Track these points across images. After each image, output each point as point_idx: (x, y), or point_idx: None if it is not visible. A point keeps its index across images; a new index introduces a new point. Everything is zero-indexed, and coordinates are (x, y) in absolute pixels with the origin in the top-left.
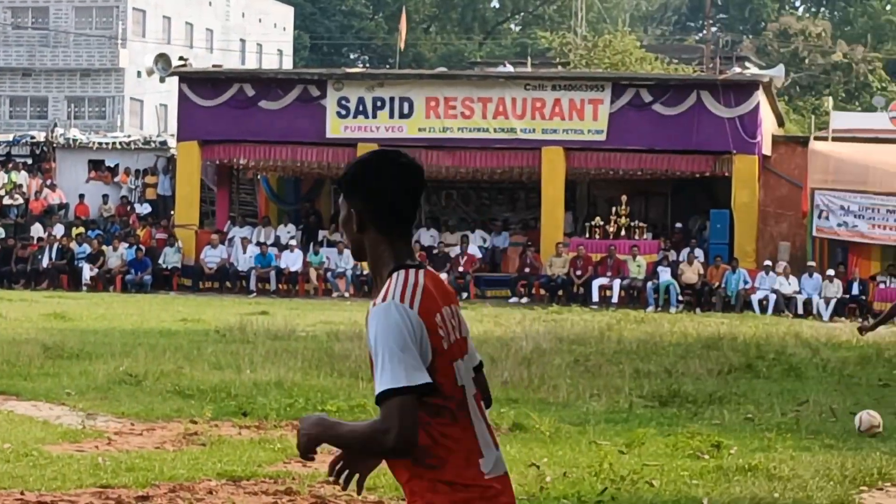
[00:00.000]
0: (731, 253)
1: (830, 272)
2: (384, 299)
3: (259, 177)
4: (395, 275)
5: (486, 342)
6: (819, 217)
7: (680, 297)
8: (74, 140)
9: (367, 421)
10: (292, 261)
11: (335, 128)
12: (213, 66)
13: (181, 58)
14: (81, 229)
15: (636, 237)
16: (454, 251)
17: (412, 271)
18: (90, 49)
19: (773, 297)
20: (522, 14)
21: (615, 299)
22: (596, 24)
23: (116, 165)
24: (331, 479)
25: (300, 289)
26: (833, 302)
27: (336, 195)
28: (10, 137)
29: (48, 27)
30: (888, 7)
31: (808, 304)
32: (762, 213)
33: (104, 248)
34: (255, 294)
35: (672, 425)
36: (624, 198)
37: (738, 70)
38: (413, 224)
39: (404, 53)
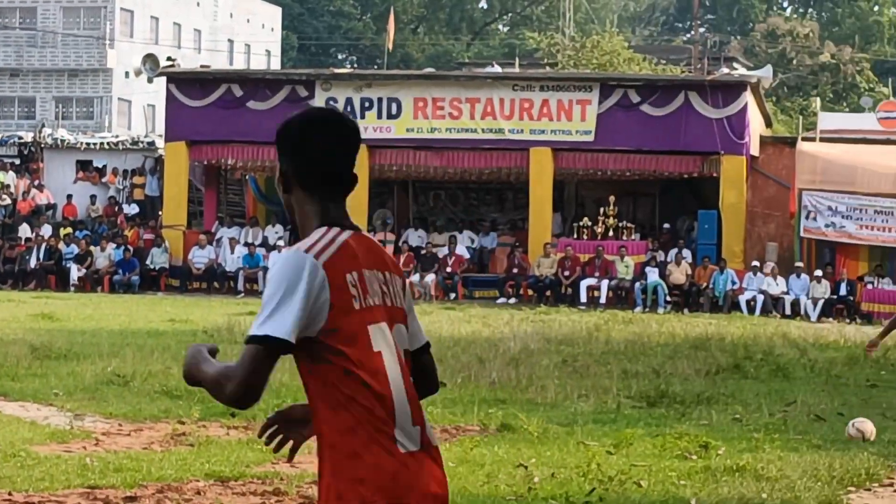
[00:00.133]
0: (718, 253)
1: (818, 273)
2: (293, 248)
3: (247, 177)
4: (315, 231)
5: (474, 343)
6: (807, 218)
7: (668, 298)
8: (62, 140)
9: (225, 363)
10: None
11: None
12: (201, 66)
13: (169, 58)
14: (69, 230)
15: (624, 238)
16: (442, 251)
17: (335, 229)
18: (78, 49)
19: (760, 297)
20: (510, 15)
21: (603, 300)
22: (584, 24)
23: (104, 166)
24: (262, 440)
25: None
26: (821, 302)
27: None
28: None
29: (36, 27)
30: (876, 8)
31: (795, 304)
32: (750, 214)
33: (92, 248)
34: (243, 294)
35: (660, 426)
36: (612, 198)
37: (725, 71)
38: (346, 186)
39: (392, 54)
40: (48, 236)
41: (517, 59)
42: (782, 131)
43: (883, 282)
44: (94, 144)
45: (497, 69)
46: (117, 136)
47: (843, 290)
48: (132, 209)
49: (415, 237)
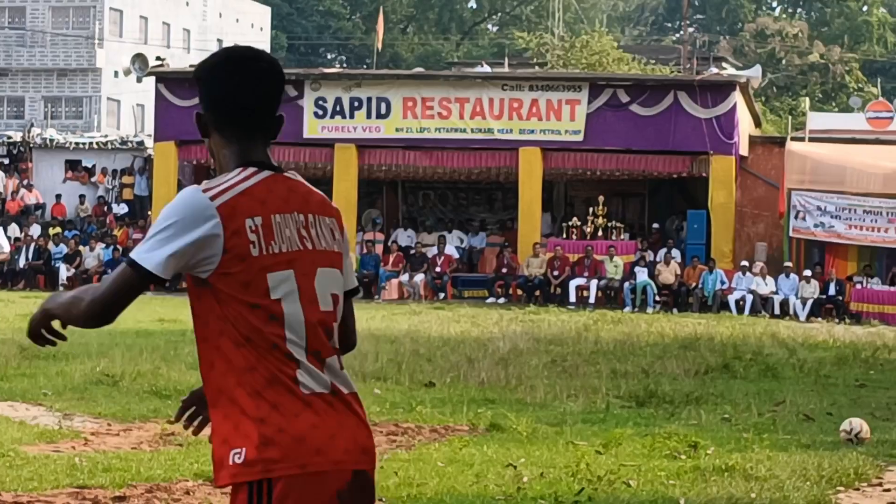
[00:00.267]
0: (708, 253)
1: (807, 272)
2: (193, 186)
3: None
4: (228, 172)
5: (463, 342)
6: (796, 217)
7: (657, 298)
8: (51, 140)
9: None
10: None
11: (312, 128)
12: (191, 66)
13: (158, 58)
14: (58, 229)
15: (613, 238)
16: (431, 251)
17: (250, 170)
18: (67, 49)
19: (749, 297)
20: (500, 14)
21: (592, 300)
22: (573, 24)
23: (93, 165)
24: (178, 422)
25: None
26: (810, 302)
27: None
28: None
29: (24, 27)
30: (865, 8)
31: (784, 304)
32: (739, 214)
33: (81, 248)
34: None
35: (649, 425)
36: (601, 198)
37: (715, 70)
38: (265, 126)
39: (381, 54)
40: (37, 236)
41: (506, 59)
42: (771, 131)
43: (872, 282)
44: (84, 144)
45: (486, 69)
46: (106, 136)
47: (832, 290)
48: (121, 209)
49: (404, 237)
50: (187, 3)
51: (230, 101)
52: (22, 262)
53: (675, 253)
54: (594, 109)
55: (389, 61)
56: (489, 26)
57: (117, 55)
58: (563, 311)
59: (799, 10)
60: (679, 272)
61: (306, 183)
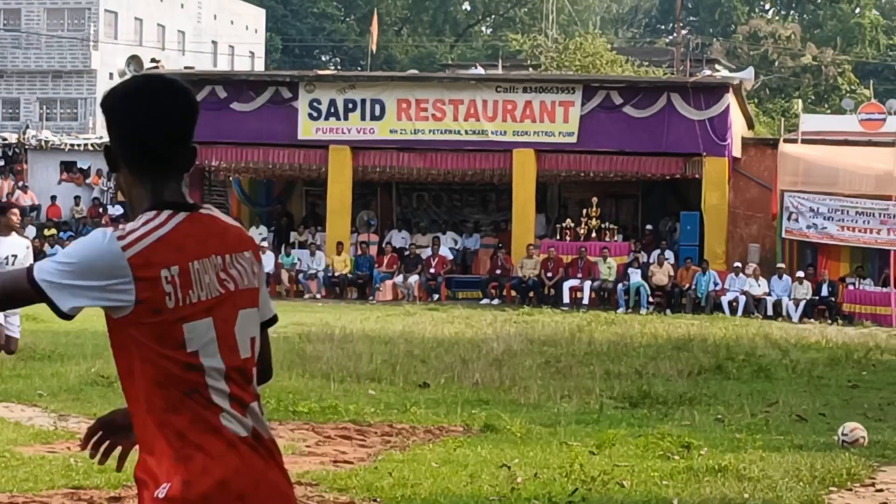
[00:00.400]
0: (701, 254)
1: (800, 274)
2: (108, 230)
3: (231, 178)
4: (142, 215)
5: (457, 343)
6: (788, 219)
7: (650, 299)
8: (46, 142)
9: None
10: (264, 262)
11: (307, 130)
12: (185, 67)
13: (153, 59)
14: (53, 231)
15: (607, 239)
16: (425, 253)
17: (166, 213)
18: (62, 51)
19: (742, 298)
20: (493, 16)
21: (586, 301)
22: (567, 26)
23: (88, 167)
24: (85, 451)
25: (271, 290)
26: (802, 303)
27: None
28: None
29: (20, 29)
30: (857, 10)
31: (777, 305)
32: (732, 215)
33: None
34: None
35: (642, 426)
36: (595, 200)
37: (708, 72)
38: (179, 163)
39: (376, 56)
40: (32, 237)
41: (500, 61)
42: (764, 133)
43: (864, 283)
44: (79, 145)
45: (480, 71)
46: (101, 137)
47: (824, 291)
48: (116, 210)
49: (398, 238)
50: (182, 5)
51: (141, 137)
52: None
53: (669, 254)
54: (588, 111)
55: (384, 63)
56: (483, 28)
57: (112, 57)
58: (557, 313)
59: (792, 12)
60: (672, 273)
61: (222, 217)
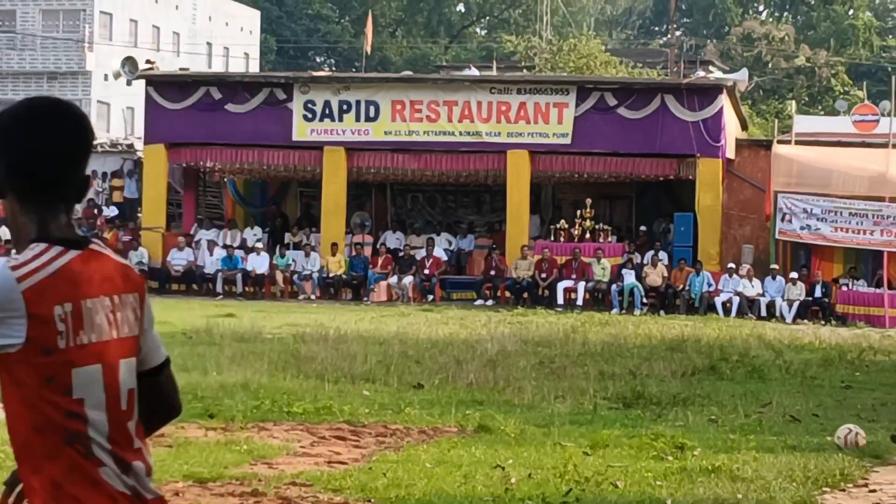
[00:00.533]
0: (695, 255)
1: (793, 275)
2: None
3: (226, 179)
4: (32, 247)
5: (451, 344)
6: (782, 220)
7: (644, 300)
8: None
9: None
10: (259, 263)
11: (301, 131)
12: (180, 69)
13: (148, 61)
14: None
15: (601, 240)
16: (420, 254)
17: (56, 249)
18: (57, 52)
19: (736, 299)
20: (488, 18)
21: (580, 301)
22: (561, 28)
23: None
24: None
25: (266, 291)
26: (796, 304)
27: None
28: None
29: (15, 30)
30: (851, 12)
31: (771, 306)
32: (726, 216)
33: None
34: (221, 296)
35: (636, 427)
36: (589, 201)
37: (702, 74)
38: (70, 193)
39: (370, 57)
40: None
41: (494, 63)
42: (758, 134)
43: (857, 284)
44: None
45: (474, 72)
46: (96, 139)
47: (818, 292)
48: (111, 211)
49: (393, 239)
50: (177, 7)
51: (29, 167)
52: None
53: (663, 255)
54: (582, 112)
55: (378, 64)
56: (477, 30)
57: (107, 58)
58: (551, 313)
59: (785, 13)
60: (666, 274)
61: (111, 254)
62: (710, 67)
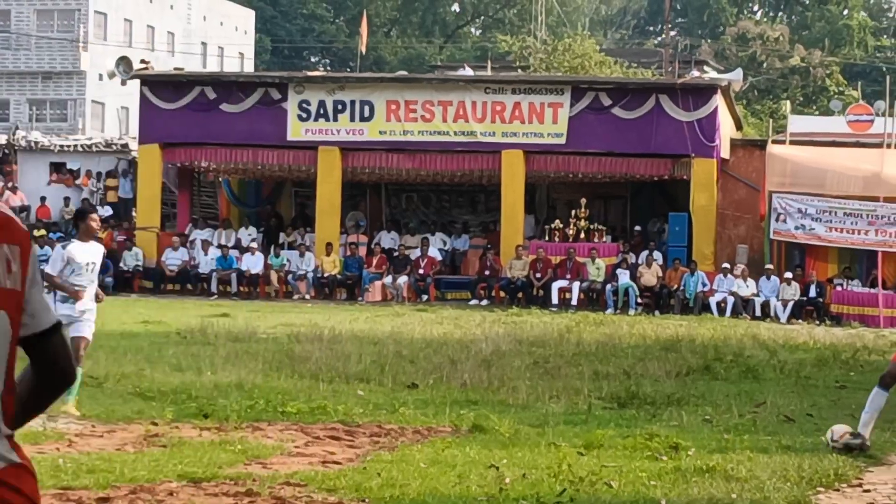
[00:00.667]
0: (689, 255)
1: (788, 275)
2: None
3: (220, 179)
4: None
5: (445, 344)
6: (777, 220)
7: (639, 300)
8: (36, 143)
9: None
10: (253, 263)
11: (296, 131)
12: (175, 69)
13: (143, 60)
14: (43, 231)
15: (595, 240)
16: (414, 253)
17: None
18: (52, 52)
19: (731, 299)
20: (483, 18)
21: (574, 301)
22: (556, 27)
23: (78, 168)
24: None
25: (261, 291)
26: (790, 304)
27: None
28: None
29: (9, 30)
30: (845, 12)
31: (765, 306)
32: (720, 216)
33: None
34: (216, 296)
35: (630, 427)
36: (583, 201)
37: (696, 74)
38: None
39: (365, 57)
40: None
41: (489, 62)
42: (752, 134)
43: (852, 284)
44: (68, 146)
45: (469, 72)
46: (91, 139)
47: (812, 292)
48: (106, 211)
49: (387, 239)
50: (172, 7)
51: None
52: None
53: (657, 255)
54: (576, 112)
55: (373, 64)
56: (472, 29)
57: (102, 58)
58: (546, 313)
59: (780, 13)
60: (661, 274)
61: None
62: (705, 67)
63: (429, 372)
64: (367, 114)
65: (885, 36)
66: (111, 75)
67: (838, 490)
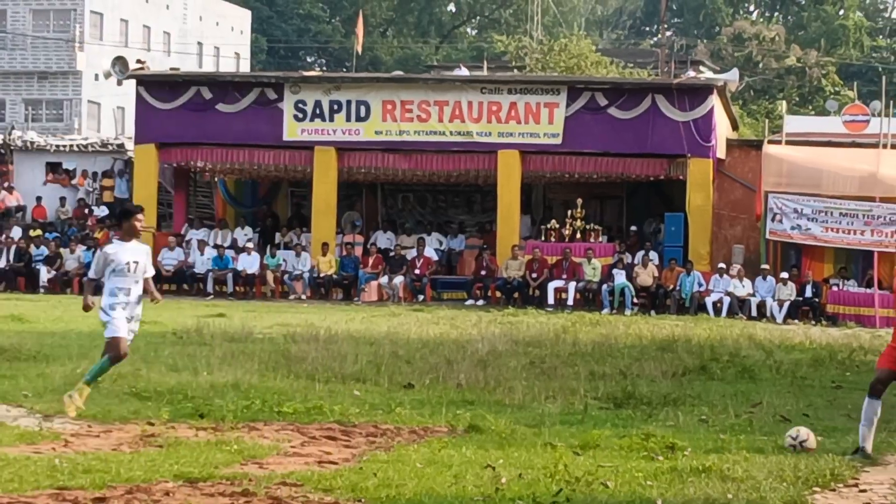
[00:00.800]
0: (685, 255)
1: (784, 275)
2: None
3: (216, 179)
4: None
5: (442, 344)
6: (772, 220)
7: (635, 300)
8: (32, 142)
9: None
10: (249, 263)
11: (292, 131)
12: (171, 69)
13: (138, 60)
14: (39, 231)
15: (591, 240)
16: (411, 253)
17: None
18: (48, 52)
19: (727, 299)
20: (479, 18)
21: (570, 301)
22: (552, 27)
23: (74, 168)
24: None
25: (257, 291)
26: (786, 304)
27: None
28: None
29: (5, 30)
30: (841, 12)
31: (761, 306)
32: (716, 216)
33: (61, 250)
34: (212, 296)
35: (627, 427)
36: (579, 201)
37: (692, 74)
38: None
39: (361, 57)
40: (18, 238)
41: (485, 62)
42: (748, 134)
43: (848, 284)
44: (64, 146)
45: (465, 72)
46: (87, 139)
47: (808, 292)
48: (102, 211)
49: (383, 239)
50: (168, 7)
51: None
52: (2, 264)
53: (653, 255)
54: (572, 112)
55: (369, 64)
56: (468, 29)
57: (98, 58)
58: (542, 313)
59: (776, 14)
60: (657, 274)
61: None
62: (701, 67)
63: (425, 372)
64: (363, 114)
65: (880, 36)
66: (107, 75)
67: (834, 490)
